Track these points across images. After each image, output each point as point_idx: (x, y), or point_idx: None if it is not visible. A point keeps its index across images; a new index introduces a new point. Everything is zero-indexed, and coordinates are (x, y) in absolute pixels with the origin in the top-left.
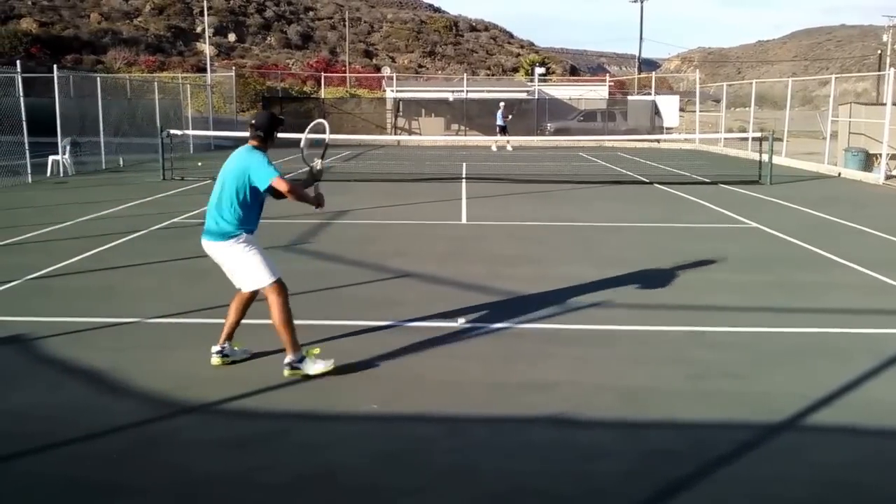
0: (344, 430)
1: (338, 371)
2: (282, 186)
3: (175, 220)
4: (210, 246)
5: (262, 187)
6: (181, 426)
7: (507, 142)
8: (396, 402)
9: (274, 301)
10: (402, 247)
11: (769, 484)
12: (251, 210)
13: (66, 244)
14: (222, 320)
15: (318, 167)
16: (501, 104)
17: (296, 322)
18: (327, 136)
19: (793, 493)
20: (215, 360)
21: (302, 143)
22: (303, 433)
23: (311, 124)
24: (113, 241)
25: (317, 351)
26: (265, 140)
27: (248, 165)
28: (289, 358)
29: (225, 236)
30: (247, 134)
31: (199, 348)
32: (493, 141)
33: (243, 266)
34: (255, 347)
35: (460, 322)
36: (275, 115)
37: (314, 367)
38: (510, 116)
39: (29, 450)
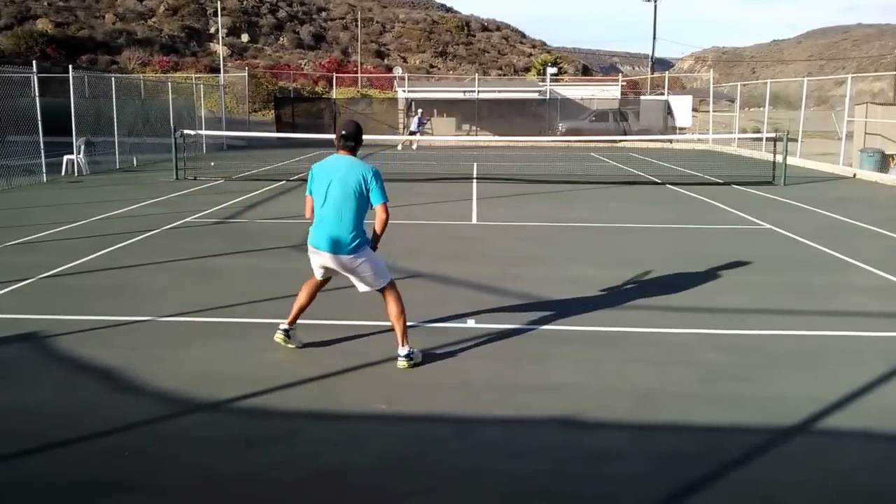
0: (354, 429)
1: (347, 371)
2: (385, 214)
3: (188, 219)
4: (341, 260)
5: (374, 202)
6: (193, 424)
7: (412, 142)
8: (406, 402)
9: (395, 297)
10: (413, 247)
11: (781, 488)
12: (364, 218)
13: (79, 243)
14: (234, 319)
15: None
16: (420, 110)
17: (306, 322)
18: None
19: (805, 498)
20: (279, 336)
21: None
22: (313, 432)
23: None
24: (126, 240)
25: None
26: (355, 150)
27: (367, 179)
28: (404, 350)
29: (359, 248)
30: (255, 134)
31: (211, 347)
32: (401, 141)
33: (374, 268)
34: (265, 347)
35: (470, 323)
36: (360, 126)
37: (419, 356)
38: (428, 122)
39: (42, 447)
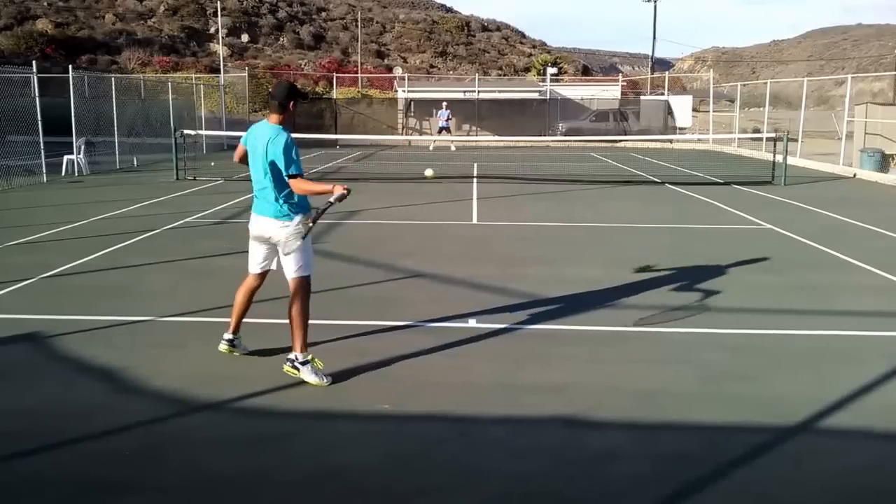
0: (356, 429)
1: (350, 371)
2: (296, 186)
3: (188, 219)
4: (268, 224)
5: (283, 171)
6: (194, 424)
7: (452, 142)
8: (408, 402)
9: (303, 293)
10: (413, 247)
11: (783, 487)
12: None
13: (80, 243)
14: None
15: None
16: (444, 102)
17: (312, 322)
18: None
19: (807, 498)
20: (223, 346)
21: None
22: (315, 432)
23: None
24: (127, 240)
25: (321, 365)
26: (282, 111)
27: (275, 147)
28: (293, 355)
29: (288, 217)
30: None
31: (211, 347)
32: (432, 141)
33: (299, 251)
34: (267, 345)
35: (471, 322)
36: (294, 86)
37: (313, 376)
38: (451, 118)
39: (43, 447)
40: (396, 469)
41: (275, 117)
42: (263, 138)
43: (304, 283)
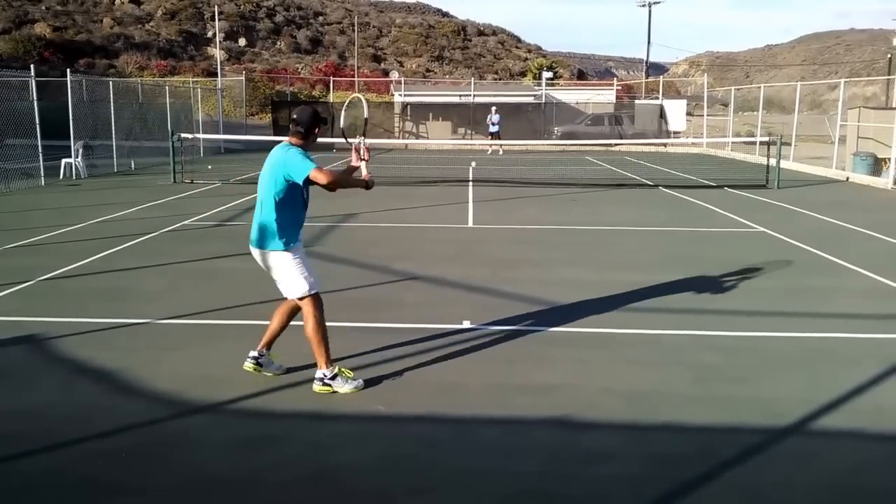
0: (350, 430)
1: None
2: (321, 179)
3: (185, 222)
4: (256, 253)
5: (299, 180)
6: (191, 426)
7: (500, 146)
8: (402, 403)
9: (309, 313)
10: (409, 250)
11: (775, 488)
12: (295, 212)
13: (78, 246)
14: (232, 321)
15: (361, 144)
16: (493, 107)
17: (303, 324)
18: (366, 112)
19: (799, 498)
20: (248, 364)
21: (342, 123)
22: (310, 433)
23: (347, 101)
24: (124, 242)
25: (350, 374)
26: (305, 137)
27: (284, 162)
28: (320, 373)
29: (272, 245)
30: (253, 137)
31: (209, 349)
32: (489, 145)
33: (288, 275)
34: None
35: (465, 324)
36: (318, 112)
37: (347, 386)
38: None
39: (41, 448)
40: (390, 470)
41: (296, 141)
42: (275, 157)
43: (310, 302)
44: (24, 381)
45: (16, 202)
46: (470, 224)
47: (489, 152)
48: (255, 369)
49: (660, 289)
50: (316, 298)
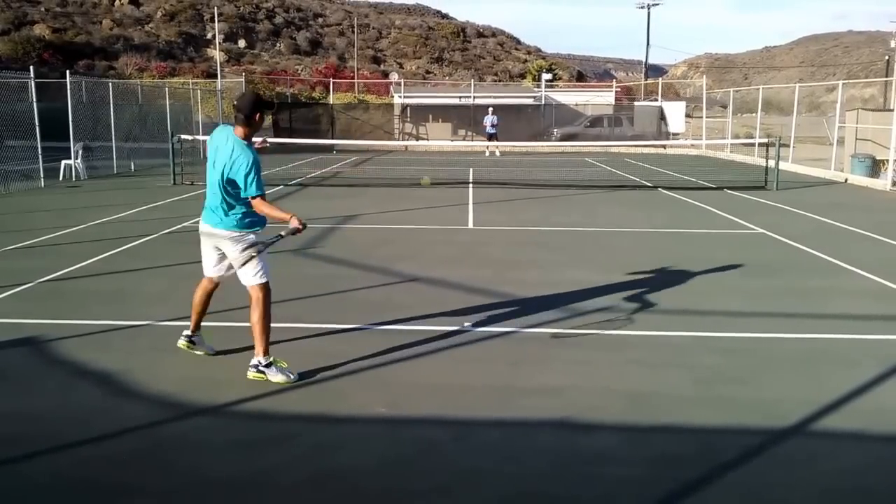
0: (352, 432)
1: (346, 374)
2: (261, 208)
3: (185, 224)
4: (220, 234)
5: (243, 194)
6: (191, 428)
7: (496, 147)
8: (404, 405)
9: (259, 301)
10: (410, 251)
11: (776, 489)
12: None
13: (78, 247)
14: (231, 323)
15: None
16: (490, 108)
17: (304, 325)
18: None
19: (800, 499)
20: (182, 342)
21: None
22: (312, 435)
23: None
24: (124, 244)
25: (284, 364)
26: (248, 124)
27: (231, 160)
28: (255, 360)
29: (240, 227)
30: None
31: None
32: (486, 146)
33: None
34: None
35: (467, 326)
36: (260, 97)
37: (280, 376)
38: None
39: (41, 451)
40: (392, 472)
41: (241, 130)
42: (224, 152)
43: (263, 290)
44: (24, 383)
45: (15, 204)
46: (470, 225)
47: (487, 154)
48: (187, 346)
49: (660, 290)
50: (268, 287)
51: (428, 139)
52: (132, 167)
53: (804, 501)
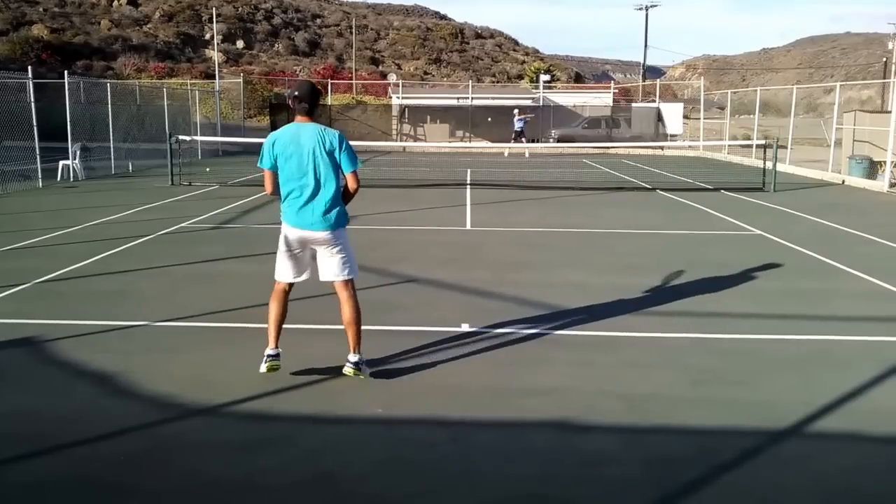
0: (349, 433)
1: (343, 375)
2: (355, 184)
3: (183, 224)
4: (319, 236)
5: (345, 171)
6: (189, 429)
7: (525, 149)
8: (400, 406)
9: (350, 295)
10: (407, 252)
11: (773, 491)
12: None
13: (75, 248)
14: (229, 324)
15: None
16: (516, 110)
17: (301, 326)
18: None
19: (797, 501)
20: (270, 365)
21: None
22: (308, 436)
23: None
24: (122, 245)
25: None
26: (311, 112)
27: (337, 145)
28: (356, 357)
29: (339, 225)
30: (251, 140)
31: (206, 351)
32: (507, 148)
33: (348, 254)
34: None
35: (464, 327)
36: (315, 85)
37: (367, 371)
38: (526, 118)
39: (38, 451)
40: (389, 473)
41: (306, 119)
42: (311, 139)
43: (353, 286)
44: (21, 383)
45: (13, 204)
46: (468, 226)
47: (506, 155)
48: (275, 366)
49: (658, 292)
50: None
51: (426, 140)
52: (130, 168)
53: (800, 502)
